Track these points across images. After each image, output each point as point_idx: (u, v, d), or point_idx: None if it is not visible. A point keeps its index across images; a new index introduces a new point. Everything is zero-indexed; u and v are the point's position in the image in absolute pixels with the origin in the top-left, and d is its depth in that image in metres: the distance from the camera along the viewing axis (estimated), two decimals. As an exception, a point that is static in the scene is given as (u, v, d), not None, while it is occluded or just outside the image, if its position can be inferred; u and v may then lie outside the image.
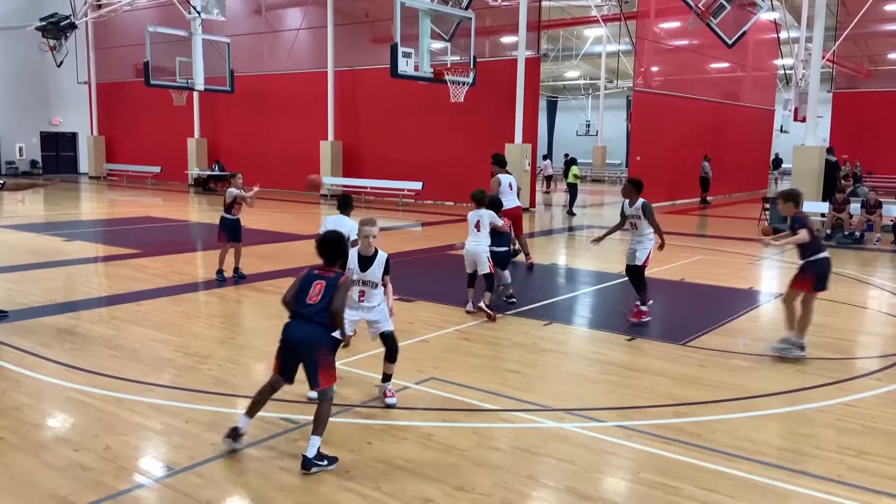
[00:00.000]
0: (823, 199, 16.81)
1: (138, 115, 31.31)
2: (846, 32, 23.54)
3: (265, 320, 8.19)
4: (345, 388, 5.89)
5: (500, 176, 11.25)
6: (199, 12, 19.55)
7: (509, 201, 10.76)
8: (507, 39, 23.76)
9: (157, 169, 30.44)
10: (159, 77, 23.61)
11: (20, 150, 34.14)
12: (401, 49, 13.01)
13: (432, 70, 14.11)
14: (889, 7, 27.85)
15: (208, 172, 28.15)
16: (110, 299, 9.13)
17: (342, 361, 6.54)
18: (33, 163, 34.58)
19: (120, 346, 6.98)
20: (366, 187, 24.05)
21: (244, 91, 25.97)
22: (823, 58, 17.64)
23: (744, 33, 16.72)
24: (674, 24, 24.85)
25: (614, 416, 5.44)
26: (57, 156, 35.57)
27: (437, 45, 16.73)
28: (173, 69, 23.15)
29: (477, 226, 8.29)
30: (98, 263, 12.03)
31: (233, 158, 28.28)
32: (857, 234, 15.33)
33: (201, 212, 21.02)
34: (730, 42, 16.15)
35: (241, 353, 6.86)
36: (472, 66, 14.81)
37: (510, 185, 11.25)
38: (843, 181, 21.91)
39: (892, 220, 15.76)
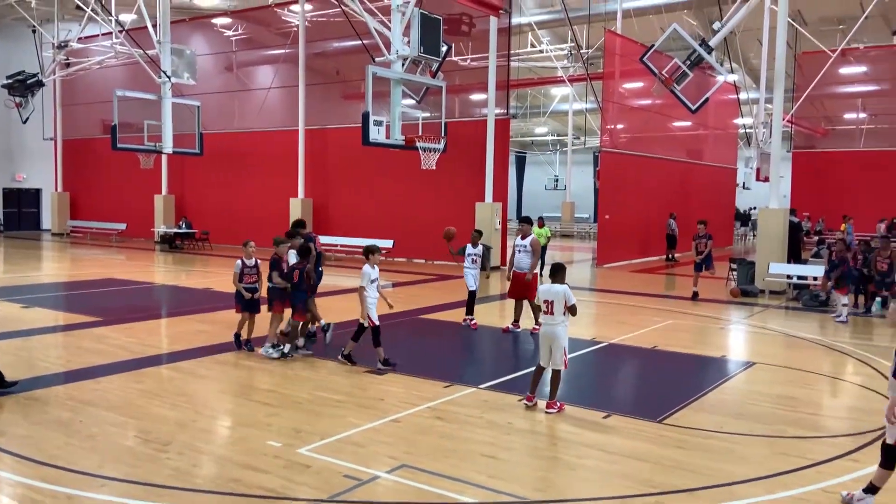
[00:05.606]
0: (788, 260, 17.09)
1: (104, 172, 30.95)
2: (804, 94, 24.43)
3: (229, 399, 7.91)
4: (309, 477, 5.63)
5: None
6: (168, 77, 19.47)
7: None
8: (476, 97, 24.13)
9: (122, 226, 30.00)
10: (127, 133, 23.33)
11: (-19, 206, 33.44)
12: (372, 118, 13.08)
13: (403, 138, 14.18)
14: (843, 70, 29.07)
15: (174, 230, 27.78)
16: (67, 375, 8.76)
17: (307, 448, 6.28)
18: (-6, 219, 33.87)
19: (76, 432, 6.64)
20: (336, 245, 23.90)
21: (214, 148, 25.86)
22: (783, 119, 18.17)
23: (706, 100, 17.21)
24: (638, 85, 25.50)
25: (593, 508, 5.28)
26: (19, 212, 34.90)
27: (407, 101, 16.82)
28: (141, 125, 22.93)
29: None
30: (56, 334, 11.59)
31: (201, 216, 28.01)
32: (823, 295, 15.47)
33: (167, 272, 20.61)
34: (693, 108, 16.58)
35: (203, 439, 6.57)
36: (443, 134, 14.91)
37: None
38: (805, 238, 22.36)
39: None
